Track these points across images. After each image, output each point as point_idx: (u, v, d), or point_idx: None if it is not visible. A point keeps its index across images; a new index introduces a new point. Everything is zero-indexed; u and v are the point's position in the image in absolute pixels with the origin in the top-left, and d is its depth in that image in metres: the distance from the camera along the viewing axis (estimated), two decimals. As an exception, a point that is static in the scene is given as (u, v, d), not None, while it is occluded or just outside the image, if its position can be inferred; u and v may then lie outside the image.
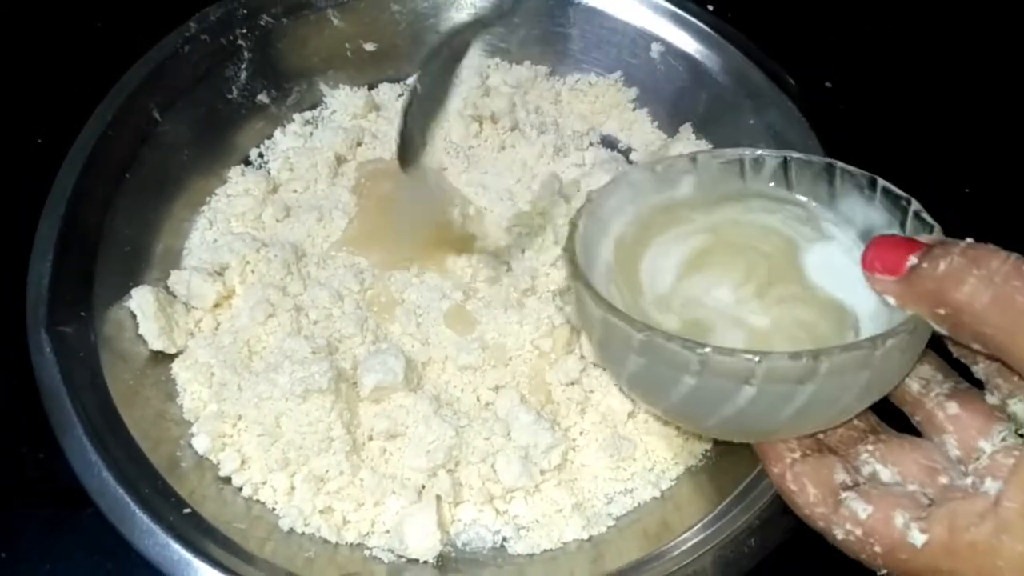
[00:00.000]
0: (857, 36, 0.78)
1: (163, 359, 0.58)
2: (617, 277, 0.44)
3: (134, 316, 0.58)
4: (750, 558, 0.49)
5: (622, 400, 0.58)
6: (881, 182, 0.42)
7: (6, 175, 0.67)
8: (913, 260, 0.35)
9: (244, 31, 0.67)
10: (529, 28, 0.72)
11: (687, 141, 0.69)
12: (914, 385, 0.40)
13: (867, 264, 0.37)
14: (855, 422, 0.41)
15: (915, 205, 0.40)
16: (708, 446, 0.58)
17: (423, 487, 0.55)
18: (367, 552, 0.53)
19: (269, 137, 0.70)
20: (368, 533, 0.54)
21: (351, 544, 0.53)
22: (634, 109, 0.73)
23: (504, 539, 0.55)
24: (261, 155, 0.70)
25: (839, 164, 0.44)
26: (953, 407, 0.38)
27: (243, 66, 0.67)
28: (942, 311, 0.34)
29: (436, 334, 0.60)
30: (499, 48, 0.73)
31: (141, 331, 0.57)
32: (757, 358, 0.35)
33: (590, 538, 0.55)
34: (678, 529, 0.52)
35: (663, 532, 0.53)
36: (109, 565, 0.53)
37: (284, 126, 0.71)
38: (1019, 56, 0.78)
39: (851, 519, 0.36)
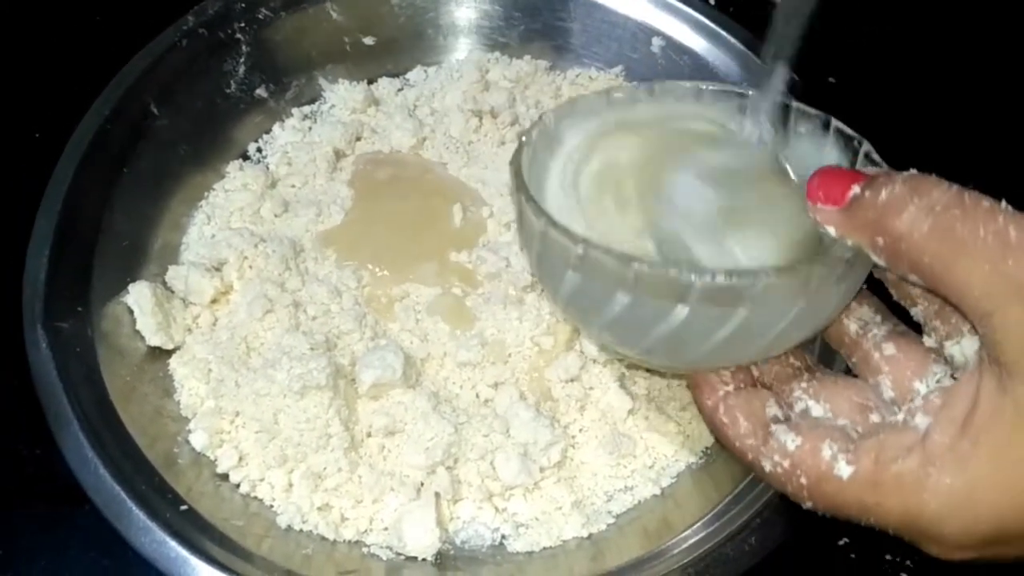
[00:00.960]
0: (860, 32, 0.77)
1: (160, 355, 0.58)
2: (568, 190, 0.42)
3: (131, 312, 0.57)
4: (750, 556, 0.49)
5: (622, 397, 0.57)
6: (835, 123, 0.41)
7: (3, 170, 0.67)
8: (856, 190, 0.34)
9: (242, 25, 0.66)
10: (529, 22, 0.72)
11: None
12: (852, 326, 0.39)
13: (811, 194, 0.36)
14: (791, 359, 0.40)
15: (866, 146, 0.40)
16: (709, 443, 0.58)
17: (422, 484, 0.54)
18: (365, 549, 0.53)
19: (267, 131, 0.70)
20: (366, 530, 0.54)
21: (349, 541, 0.53)
22: (635, 104, 0.72)
23: (503, 537, 0.55)
24: (259, 150, 0.69)
25: (796, 104, 0.43)
26: (890, 348, 0.38)
27: (241, 60, 0.67)
28: (881, 241, 0.33)
29: (435, 330, 0.60)
30: (499, 42, 0.73)
31: (138, 327, 0.57)
32: (693, 276, 0.34)
33: (590, 536, 0.54)
34: (678, 527, 0.52)
35: (663, 530, 0.53)
36: (106, 562, 0.53)
37: (283, 120, 0.70)
38: (1022, 55, 0.78)
39: (779, 451, 0.36)
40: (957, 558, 0.34)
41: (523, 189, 0.39)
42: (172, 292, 0.60)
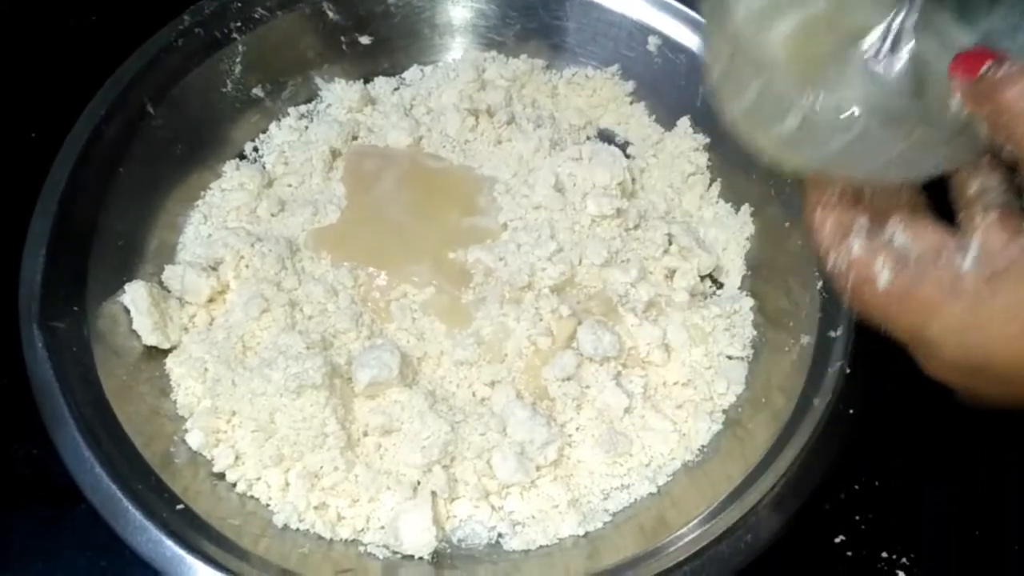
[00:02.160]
0: None
1: (157, 354, 0.58)
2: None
3: (127, 311, 0.57)
4: (746, 554, 0.49)
5: (618, 396, 0.57)
6: None
7: (0, 170, 0.67)
8: (987, 65, 0.38)
9: (238, 24, 0.66)
10: (525, 22, 0.72)
11: (685, 134, 0.69)
12: (974, 186, 0.42)
13: (952, 68, 0.39)
14: (902, 196, 0.44)
15: None
16: (705, 442, 0.58)
17: (418, 483, 0.54)
18: (362, 548, 0.53)
19: (264, 131, 0.70)
20: (363, 529, 0.54)
21: (346, 540, 0.53)
22: (631, 102, 0.72)
23: (500, 535, 0.55)
24: (256, 149, 0.69)
25: None
26: (993, 216, 0.41)
27: (237, 60, 0.67)
28: (988, 108, 0.37)
29: (431, 329, 0.60)
30: (495, 41, 0.73)
31: (135, 326, 0.57)
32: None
33: (586, 534, 0.55)
34: (674, 525, 0.52)
35: (659, 528, 0.53)
36: (103, 562, 0.53)
37: (279, 120, 0.70)
38: None
39: (846, 252, 0.42)
40: (943, 377, 0.41)
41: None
42: (168, 291, 0.60)
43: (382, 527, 0.54)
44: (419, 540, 0.52)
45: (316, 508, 0.53)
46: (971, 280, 0.39)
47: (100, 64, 0.63)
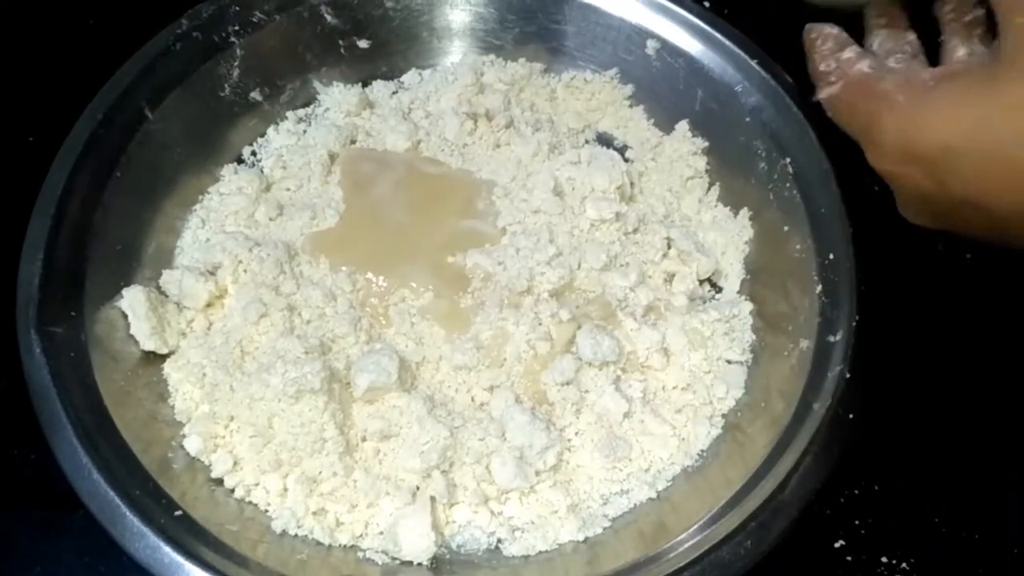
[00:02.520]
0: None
1: (154, 359, 0.58)
2: None
3: (125, 316, 0.57)
4: (746, 559, 0.49)
5: (617, 400, 0.57)
6: None
7: (-3, 173, 0.67)
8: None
9: (236, 28, 0.66)
10: (524, 25, 0.72)
11: (684, 138, 0.69)
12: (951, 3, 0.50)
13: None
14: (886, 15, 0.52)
15: None
16: (704, 446, 0.58)
17: (417, 488, 0.54)
18: (360, 554, 0.53)
19: (262, 135, 0.70)
20: (362, 535, 0.54)
21: (344, 546, 0.53)
22: (630, 106, 0.72)
23: (499, 540, 0.55)
24: (254, 153, 0.69)
25: None
26: (960, 27, 0.49)
27: (235, 63, 0.67)
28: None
29: (430, 334, 0.60)
30: (493, 45, 0.73)
31: (132, 331, 0.57)
32: None
33: (585, 539, 0.54)
34: (674, 530, 0.52)
35: (659, 533, 0.53)
36: (101, 567, 0.53)
37: (277, 124, 0.70)
38: None
39: (837, 59, 0.51)
40: (881, 167, 0.48)
41: None
42: (166, 296, 0.60)
43: (381, 533, 0.53)
44: (418, 546, 0.52)
45: (315, 514, 0.53)
46: (922, 76, 0.47)
47: (98, 68, 0.62)
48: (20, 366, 0.52)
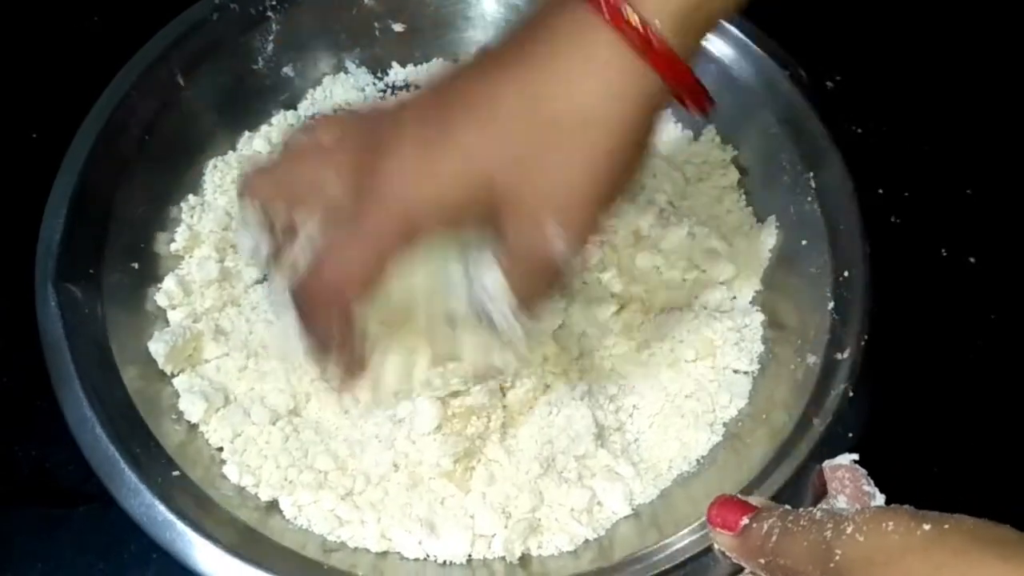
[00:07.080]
0: (862, 31, 0.76)
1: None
2: None
3: (141, 279, 0.58)
4: (733, 567, 0.48)
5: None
6: None
7: (22, 133, 0.67)
8: (745, 520, 0.41)
9: (274, 3, 0.67)
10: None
11: (712, 143, 0.68)
12: None
13: (711, 520, 0.42)
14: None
15: None
16: (703, 453, 0.58)
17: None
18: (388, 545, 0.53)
19: (292, 109, 0.70)
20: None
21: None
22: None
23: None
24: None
25: None
26: None
27: (270, 38, 0.67)
28: (763, 560, 0.39)
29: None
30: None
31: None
32: None
33: (584, 541, 0.54)
34: (673, 531, 0.51)
35: (658, 534, 0.53)
36: (101, 565, 0.53)
37: (306, 100, 0.71)
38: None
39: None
40: None
41: None
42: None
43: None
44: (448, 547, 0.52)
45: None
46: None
47: (103, 65, 0.62)
48: (20, 367, 0.53)
